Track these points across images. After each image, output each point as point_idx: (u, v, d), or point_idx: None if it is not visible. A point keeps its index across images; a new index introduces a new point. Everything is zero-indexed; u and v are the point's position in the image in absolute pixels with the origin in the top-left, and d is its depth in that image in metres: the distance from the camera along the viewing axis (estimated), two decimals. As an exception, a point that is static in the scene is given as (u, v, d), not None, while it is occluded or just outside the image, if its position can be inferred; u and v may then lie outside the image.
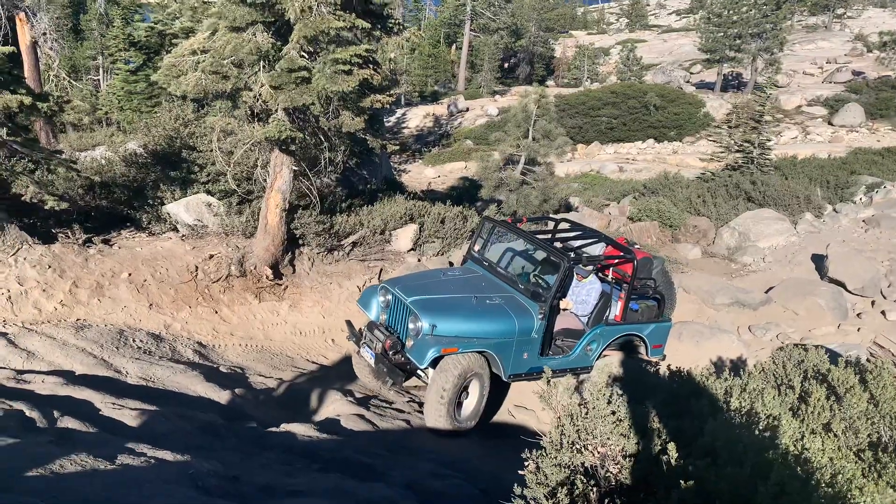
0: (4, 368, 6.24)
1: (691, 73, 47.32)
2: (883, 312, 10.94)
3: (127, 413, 5.36)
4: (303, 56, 8.47)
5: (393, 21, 9.82)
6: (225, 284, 9.49)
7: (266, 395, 7.16)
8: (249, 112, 9.50)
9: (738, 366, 7.79)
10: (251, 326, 9.16)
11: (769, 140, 22.92)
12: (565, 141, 17.55)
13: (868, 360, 5.93)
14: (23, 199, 9.17)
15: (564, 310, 7.24)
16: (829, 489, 3.04)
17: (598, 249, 8.23)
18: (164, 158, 11.94)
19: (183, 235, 10.18)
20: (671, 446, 3.25)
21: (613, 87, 39.51)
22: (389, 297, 7.08)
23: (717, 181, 20.03)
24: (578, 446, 3.54)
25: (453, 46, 53.46)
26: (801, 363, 5.54)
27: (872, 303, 11.42)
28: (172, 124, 13.01)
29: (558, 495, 3.19)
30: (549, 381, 4.13)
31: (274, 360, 8.41)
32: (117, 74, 24.67)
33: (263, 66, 8.57)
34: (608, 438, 3.52)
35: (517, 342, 6.81)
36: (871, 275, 11.74)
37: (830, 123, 35.40)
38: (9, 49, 8.18)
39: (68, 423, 4.78)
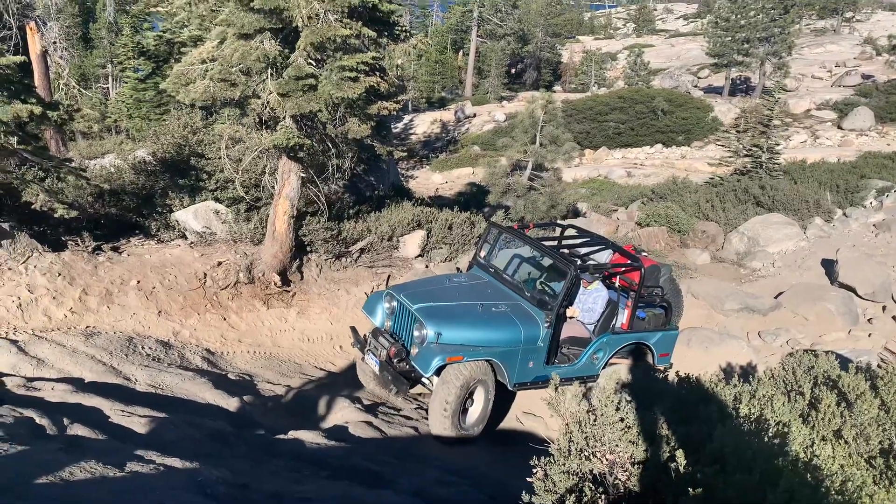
0: (15, 376, 6.27)
1: (699, 78, 47.26)
2: (894, 318, 10.87)
3: (136, 420, 5.38)
4: (310, 63, 8.51)
5: (400, 28, 9.86)
6: (233, 291, 9.51)
7: (274, 402, 7.17)
8: (257, 119, 9.55)
9: (747, 372, 7.75)
10: (259, 333, 9.18)
11: (778, 144, 22.83)
12: (573, 146, 17.57)
13: (879, 366, 5.88)
14: (33, 207, 9.23)
15: (571, 318, 7.18)
16: (840, 496, 3.02)
17: (605, 256, 8.18)
18: (173, 166, 12.01)
19: (191, 242, 10.22)
20: (680, 453, 3.24)
21: (621, 91, 39.51)
22: (394, 303, 7.03)
23: (725, 186, 19.96)
24: (587, 453, 3.53)
25: (460, 52, 53.57)
26: (812, 369, 5.50)
27: (883, 308, 11.34)
28: (181, 132, 13.08)
29: (567, 503, 3.18)
30: (556, 388, 4.13)
31: (282, 367, 8.42)
32: (126, 82, 24.87)
33: (271, 74, 8.61)
34: (616, 445, 3.51)
35: (523, 351, 6.74)
36: (882, 279, 11.66)
37: (840, 127, 35.26)
38: (19, 58, 8.25)
39: (78, 430, 4.80)
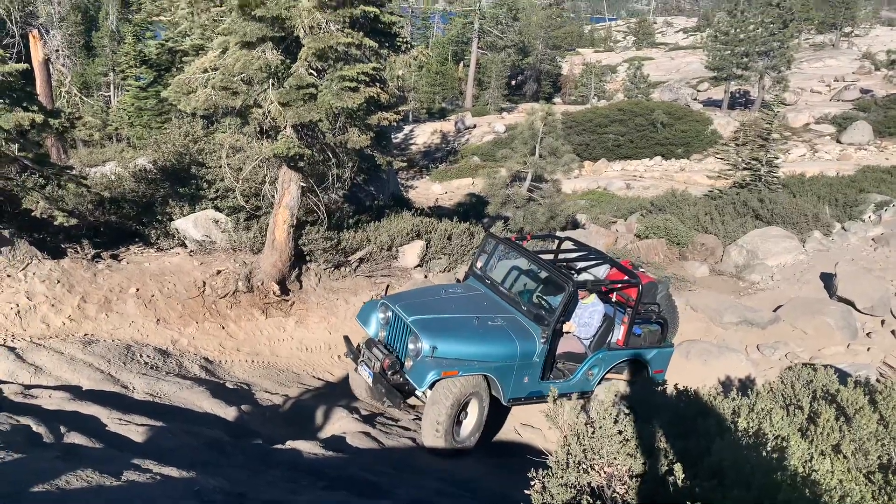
0: (12, 383, 6.26)
1: (698, 91, 47.43)
2: (893, 332, 10.86)
3: (133, 429, 5.36)
4: (311, 73, 8.55)
5: (401, 39, 9.91)
6: (232, 300, 9.51)
7: (272, 411, 7.15)
8: (258, 129, 9.58)
9: (746, 385, 7.74)
10: (258, 342, 9.16)
11: (777, 158, 22.91)
12: (572, 158, 17.61)
13: (878, 381, 5.88)
14: (33, 214, 9.24)
15: (567, 332, 7.12)
16: (838, 512, 3.01)
17: (601, 271, 8.13)
18: (174, 174, 12.04)
19: (191, 251, 10.22)
20: (678, 467, 3.24)
21: (620, 104, 39.62)
22: (389, 313, 6.95)
23: (724, 199, 20.01)
24: (585, 466, 3.52)
25: (461, 64, 53.79)
26: (810, 383, 5.49)
27: (882, 322, 11.34)
28: (182, 140, 13.12)
29: (564, 516, 3.17)
30: (555, 401, 4.12)
31: (280, 377, 8.41)
32: (128, 91, 24.93)
33: (272, 84, 8.65)
34: (615, 458, 3.51)
35: (518, 366, 6.66)
36: (881, 294, 11.66)
37: (838, 141, 35.36)
38: (22, 66, 8.29)
39: (75, 438, 4.78)
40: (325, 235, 10.81)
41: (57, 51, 16.06)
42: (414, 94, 44.91)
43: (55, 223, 8.88)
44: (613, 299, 8.13)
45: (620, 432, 3.64)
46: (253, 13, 7.98)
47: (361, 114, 9.41)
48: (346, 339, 7.60)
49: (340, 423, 6.75)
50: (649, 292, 7.77)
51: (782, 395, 5.27)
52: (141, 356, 7.72)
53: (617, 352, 7.47)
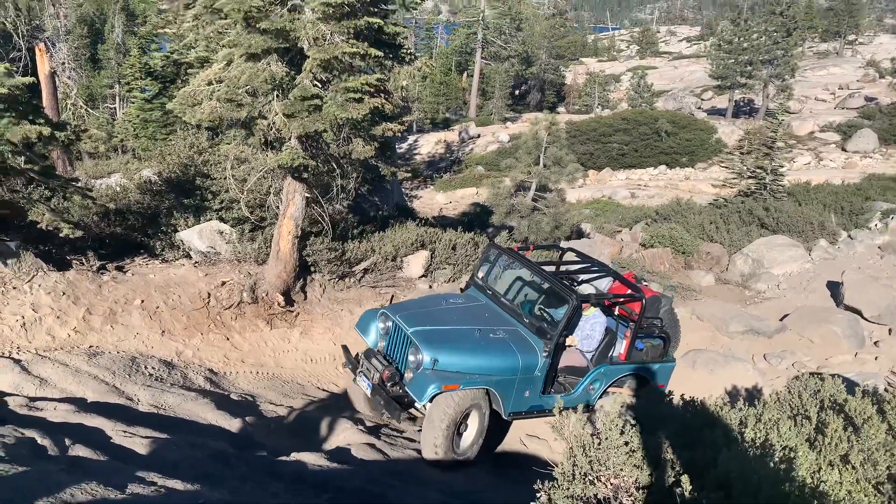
0: (17, 395, 6.27)
1: (702, 100, 47.47)
2: (900, 340, 10.81)
3: (138, 441, 5.35)
4: (315, 85, 8.58)
5: (405, 50, 9.94)
6: (237, 311, 9.51)
7: (276, 423, 7.13)
8: (263, 140, 9.60)
9: (753, 395, 7.70)
10: (262, 353, 9.16)
11: (782, 166, 22.85)
12: (576, 167, 17.60)
13: (886, 390, 5.84)
14: (39, 226, 9.26)
15: (569, 346, 7.00)
16: (848, 524, 2.98)
17: (604, 284, 8.04)
18: (179, 186, 12.07)
19: (196, 262, 10.24)
20: (685, 478, 3.21)
21: (624, 113, 39.69)
22: (389, 323, 6.85)
23: (729, 207, 19.98)
24: (591, 477, 3.50)
25: (465, 74, 53.98)
26: (818, 393, 5.45)
27: (889, 331, 11.28)
28: (187, 152, 13.16)
29: (570, 528, 3.15)
30: (560, 412, 4.10)
31: (285, 388, 8.39)
32: (133, 102, 25.05)
33: (277, 95, 8.68)
34: (621, 470, 3.48)
35: (520, 380, 6.55)
36: (888, 302, 11.61)
37: (844, 149, 35.32)
38: (29, 79, 8.33)
39: (79, 451, 4.78)
40: (330, 246, 10.81)
41: (63, 64, 16.21)
42: (418, 104, 45.04)
43: (61, 235, 8.90)
44: (616, 312, 8.01)
45: (627, 443, 3.61)
46: (257, 26, 8.02)
47: (366, 124, 9.43)
48: (345, 348, 7.50)
49: (345, 435, 6.72)
50: (652, 306, 7.68)
51: (789, 404, 5.24)
52: (146, 368, 7.72)
53: (619, 366, 7.36)
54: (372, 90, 8.63)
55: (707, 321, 11.21)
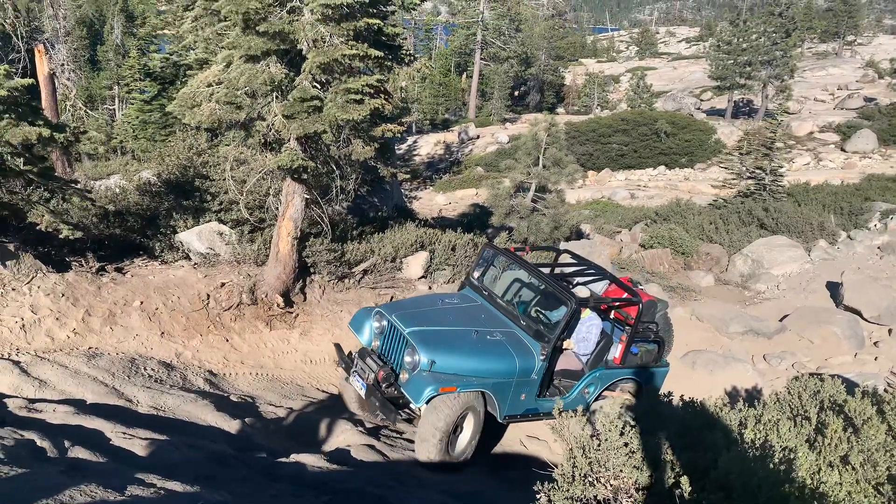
0: (17, 397, 6.25)
1: (702, 100, 47.53)
2: (900, 341, 10.81)
3: (137, 443, 5.35)
4: (315, 86, 8.58)
5: (404, 52, 9.94)
6: (236, 312, 9.50)
7: (276, 424, 7.13)
8: (262, 141, 9.60)
9: (752, 396, 7.70)
10: (262, 355, 9.15)
11: (781, 167, 22.88)
12: (575, 168, 17.62)
13: (886, 391, 5.84)
14: (38, 227, 9.26)
15: (566, 349, 6.95)
16: (848, 525, 2.98)
17: (600, 287, 8.01)
18: (178, 187, 12.06)
19: (195, 264, 10.24)
20: (684, 479, 3.20)
21: (624, 114, 39.73)
22: (384, 323, 6.76)
23: (729, 208, 20.00)
24: (591, 479, 3.49)
25: (464, 75, 54.00)
26: (818, 393, 5.45)
27: (889, 331, 11.28)
28: (186, 153, 13.15)
29: (570, 530, 3.15)
30: (560, 413, 4.10)
31: (284, 389, 8.39)
32: (132, 104, 25.09)
33: (276, 97, 8.68)
34: (621, 471, 3.48)
35: (516, 383, 6.48)
36: (888, 303, 11.61)
37: (843, 150, 35.37)
38: (28, 81, 8.33)
39: (79, 452, 4.77)
40: (329, 247, 10.80)
41: (62, 65, 16.15)
42: (417, 105, 45.08)
43: (60, 236, 8.90)
44: (611, 316, 7.97)
45: (626, 444, 3.61)
46: (257, 28, 8.02)
47: (366, 125, 9.42)
48: (338, 346, 7.40)
49: (345, 436, 6.71)
50: (649, 311, 7.66)
51: (789, 405, 5.23)
52: (145, 369, 7.71)
53: (614, 370, 7.34)
54: (372, 91, 8.63)
55: (707, 322, 11.22)
